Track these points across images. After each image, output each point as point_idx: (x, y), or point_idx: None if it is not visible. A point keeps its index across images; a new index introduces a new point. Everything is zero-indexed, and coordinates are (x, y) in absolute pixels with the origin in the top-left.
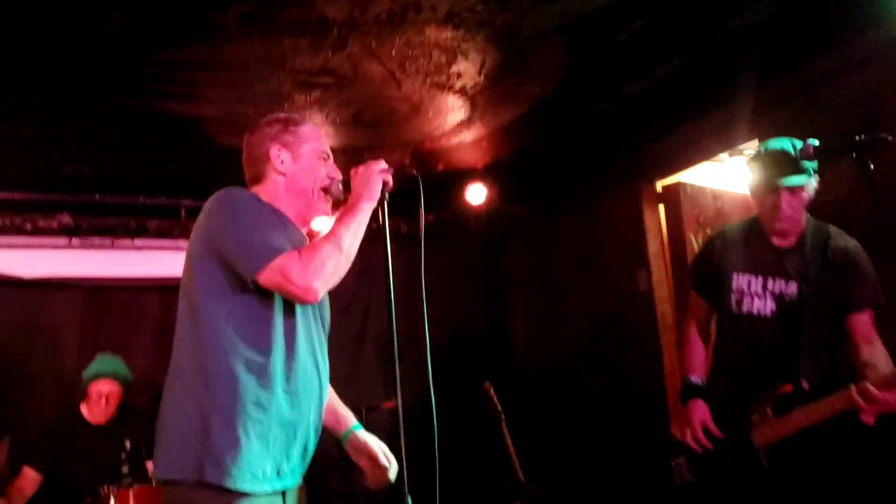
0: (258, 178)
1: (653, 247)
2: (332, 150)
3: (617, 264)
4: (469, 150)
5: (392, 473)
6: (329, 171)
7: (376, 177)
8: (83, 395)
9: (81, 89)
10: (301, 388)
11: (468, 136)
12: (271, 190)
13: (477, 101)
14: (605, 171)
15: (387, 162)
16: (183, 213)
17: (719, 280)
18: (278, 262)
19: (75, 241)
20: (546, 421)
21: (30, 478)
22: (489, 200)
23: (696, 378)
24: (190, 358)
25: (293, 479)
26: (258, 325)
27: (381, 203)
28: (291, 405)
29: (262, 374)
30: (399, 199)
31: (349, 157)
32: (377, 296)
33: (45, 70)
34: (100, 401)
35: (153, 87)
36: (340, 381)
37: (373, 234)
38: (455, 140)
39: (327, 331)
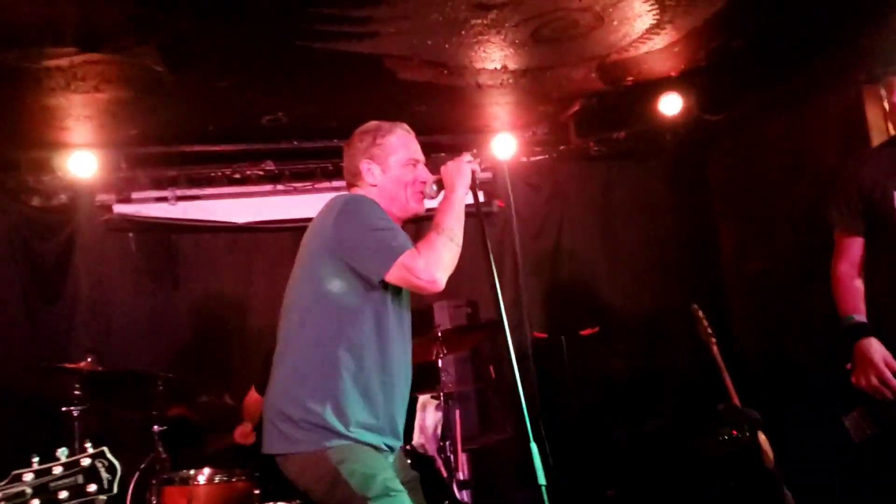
0: (355, 185)
1: (878, 142)
2: (514, 72)
3: (836, 165)
4: (660, 57)
5: None
6: (419, 175)
7: (466, 167)
8: None
9: (263, 35)
10: (395, 369)
11: (659, 42)
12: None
13: (666, 1)
14: (818, 63)
15: (572, 80)
16: None
17: (875, 203)
18: (403, 259)
19: (279, 186)
20: (761, 339)
21: (253, 398)
22: (686, 110)
23: (860, 317)
24: (302, 344)
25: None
26: (364, 316)
27: (472, 188)
28: (384, 383)
29: (364, 359)
30: (586, 119)
31: (531, 78)
32: (569, 216)
33: (228, 18)
34: None
35: (332, 27)
36: (536, 305)
37: (560, 155)
38: (644, 48)
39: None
